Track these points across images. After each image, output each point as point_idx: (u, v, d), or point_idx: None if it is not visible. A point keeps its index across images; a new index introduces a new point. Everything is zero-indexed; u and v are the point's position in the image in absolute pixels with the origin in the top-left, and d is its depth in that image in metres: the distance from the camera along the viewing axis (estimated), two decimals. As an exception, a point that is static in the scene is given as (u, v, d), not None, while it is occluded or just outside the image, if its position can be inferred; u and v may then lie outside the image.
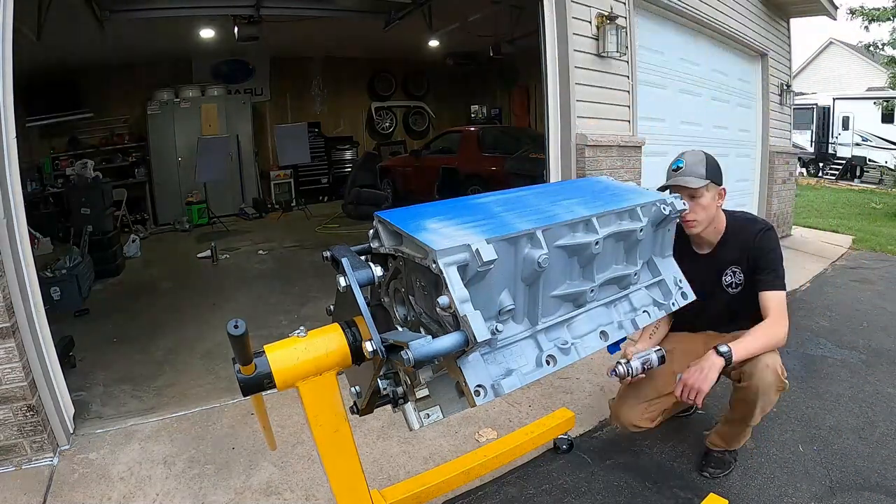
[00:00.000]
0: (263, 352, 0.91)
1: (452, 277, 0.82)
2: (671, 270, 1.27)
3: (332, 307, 1.10)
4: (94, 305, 4.17)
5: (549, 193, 1.19)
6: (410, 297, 0.98)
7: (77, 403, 2.38)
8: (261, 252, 6.03)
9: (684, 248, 1.89)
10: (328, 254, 1.01)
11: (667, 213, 1.19)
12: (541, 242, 0.96)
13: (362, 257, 1.05)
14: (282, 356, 0.87)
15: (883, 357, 3.07)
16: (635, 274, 1.19)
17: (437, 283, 0.85)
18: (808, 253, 5.86)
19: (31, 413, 2.03)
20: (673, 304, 1.26)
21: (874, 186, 13.81)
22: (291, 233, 7.13)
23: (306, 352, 0.88)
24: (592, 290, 1.09)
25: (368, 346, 0.86)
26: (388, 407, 1.05)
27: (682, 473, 2.03)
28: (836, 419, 2.39)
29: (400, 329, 1.02)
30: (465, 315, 0.80)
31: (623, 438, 2.27)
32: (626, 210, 1.14)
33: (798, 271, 4.93)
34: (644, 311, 1.20)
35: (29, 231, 2.18)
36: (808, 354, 3.12)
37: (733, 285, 1.96)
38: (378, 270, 1.00)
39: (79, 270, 4.14)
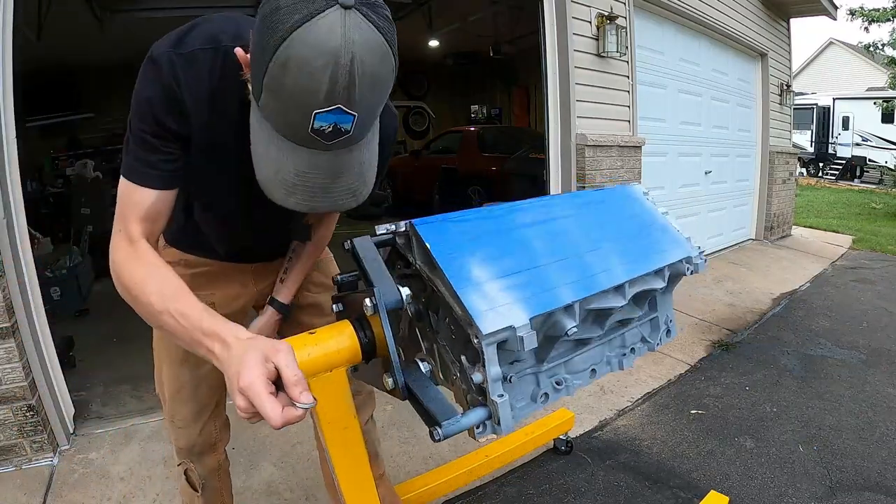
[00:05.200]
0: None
1: (491, 357, 0.82)
2: (665, 308, 1.25)
3: (335, 307, 1.05)
4: (94, 305, 4.16)
5: (583, 221, 1.10)
6: (431, 314, 0.96)
7: (77, 403, 2.38)
8: (261, 252, 6.02)
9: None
10: (349, 245, 0.96)
11: (687, 273, 1.17)
12: (575, 314, 0.93)
13: (379, 250, 1.00)
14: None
15: (883, 357, 3.07)
16: (638, 318, 1.18)
17: (468, 346, 0.85)
18: (808, 253, 5.86)
19: (31, 413, 2.03)
20: (658, 343, 1.24)
21: (874, 186, 13.84)
22: (291, 233, 7.12)
23: (317, 348, 0.87)
24: (599, 336, 1.09)
25: (389, 383, 0.86)
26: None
27: (682, 473, 2.03)
28: (836, 419, 2.39)
29: (425, 373, 0.98)
30: (496, 401, 0.81)
31: (623, 438, 2.27)
32: (655, 270, 1.11)
33: (798, 271, 4.94)
34: (631, 350, 1.19)
35: (29, 231, 2.18)
36: (808, 354, 3.12)
37: None
38: (406, 290, 0.95)
39: (79, 270, 4.14)
